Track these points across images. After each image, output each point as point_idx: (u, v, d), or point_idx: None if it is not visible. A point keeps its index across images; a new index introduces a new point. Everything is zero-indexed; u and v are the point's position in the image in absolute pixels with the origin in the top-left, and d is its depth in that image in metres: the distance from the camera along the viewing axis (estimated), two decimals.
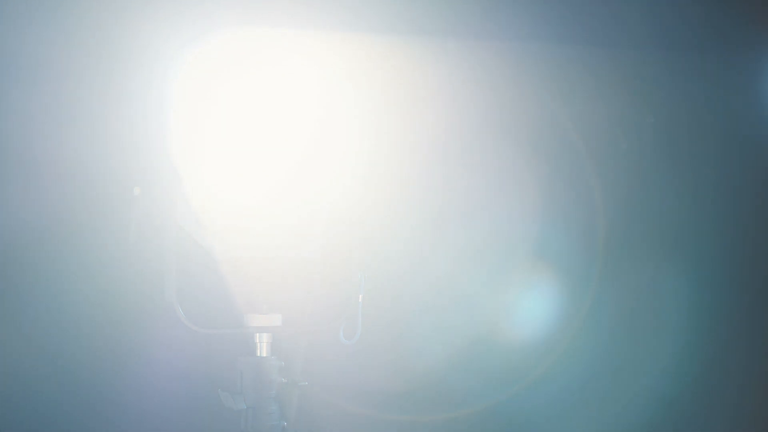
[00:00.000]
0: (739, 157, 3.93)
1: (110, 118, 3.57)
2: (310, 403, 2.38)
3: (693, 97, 3.90)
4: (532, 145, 3.85)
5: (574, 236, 3.88)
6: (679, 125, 3.91)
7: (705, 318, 3.93)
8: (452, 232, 3.80)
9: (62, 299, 3.53)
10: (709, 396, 3.92)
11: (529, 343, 3.84)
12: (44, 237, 3.53)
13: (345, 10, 3.70)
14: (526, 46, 3.85)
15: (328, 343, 2.58)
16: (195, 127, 2.11)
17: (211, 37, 2.45)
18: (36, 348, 3.52)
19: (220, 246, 2.17)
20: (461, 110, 3.82)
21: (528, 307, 3.84)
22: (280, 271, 3.42)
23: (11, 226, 3.53)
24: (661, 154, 3.90)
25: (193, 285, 3.39)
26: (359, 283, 2.26)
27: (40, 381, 3.52)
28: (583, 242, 3.89)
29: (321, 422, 3.61)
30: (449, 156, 3.80)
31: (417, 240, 3.78)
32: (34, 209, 3.53)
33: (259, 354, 2.26)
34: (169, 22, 3.57)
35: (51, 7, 3.47)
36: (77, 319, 3.53)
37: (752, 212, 3.96)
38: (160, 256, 2.14)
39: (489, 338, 3.81)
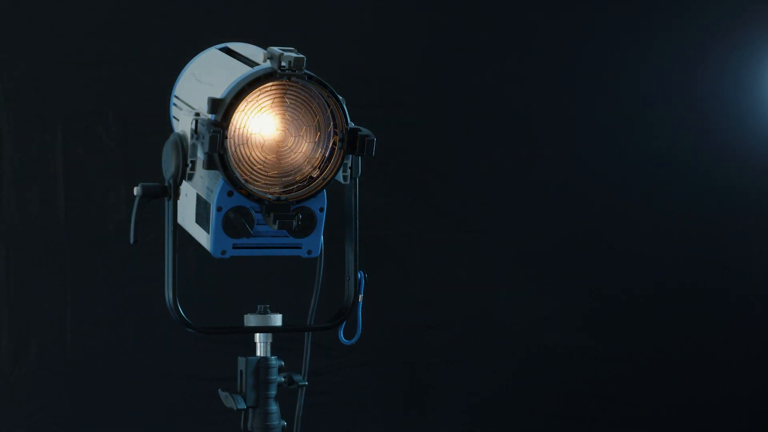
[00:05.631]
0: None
1: (112, 115, 3.57)
2: (310, 403, 2.38)
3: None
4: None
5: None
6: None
7: None
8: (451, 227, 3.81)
9: (62, 298, 3.53)
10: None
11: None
12: (44, 236, 3.53)
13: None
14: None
15: (328, 342, 2.57)
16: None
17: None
18: (35, 347, 3.52)
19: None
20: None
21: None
22: (280, 270, 3.42)
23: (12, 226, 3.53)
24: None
25: (193, 285, 3.39)
26: (359, 283, 2.25)
27: (40, 380, 3.52)
28: None
29: (321, 422, 3.61)
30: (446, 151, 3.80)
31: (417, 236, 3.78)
32: (33, 209, 3.53)
33: (259, 354, 2.25)
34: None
35: None
36: (77, 318, 3.53)
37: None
38: (160, 256, 2.13)
39: (488, 335, 3.81)
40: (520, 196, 3.83)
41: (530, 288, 3.84)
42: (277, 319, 2.26)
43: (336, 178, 2.18)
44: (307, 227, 2.18)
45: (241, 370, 2.23)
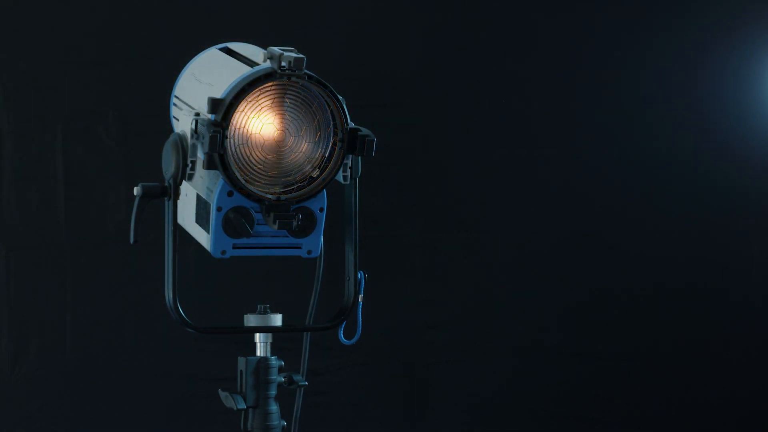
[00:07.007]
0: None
1: (112, 115, 3.57)
2: (310, 403, 2.38)
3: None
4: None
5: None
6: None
7: None
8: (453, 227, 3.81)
9: (62, 299, 3.53)
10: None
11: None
12: (44, 236, 3.53)
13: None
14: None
15: (328, 342, 2.57)
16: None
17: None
18: (35, 347, 3.52)
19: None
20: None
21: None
22: (280, 270, 3.42)
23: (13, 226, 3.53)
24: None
25: (192, 285, 3.39)
26: (359, 283, 2.25)
27: (40, 380, 3.52)
28: None
29: (321, 422, 3.61)
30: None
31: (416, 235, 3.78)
32: (33, 208, 3.53)
33: (259, 354, 2.25)
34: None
35: None
36: (77, 318, 3.53)
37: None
38: (160, 256, 2.14)
39: (488, 335, 3.81)
40: (520, 196, 3.83)
41: (530, 288, 3.84)
42: (277, 319, 2.26)
43: (336, 178, 2.18)
44: (307, 227, 2.18)
45: (241, 370, 2.23)
